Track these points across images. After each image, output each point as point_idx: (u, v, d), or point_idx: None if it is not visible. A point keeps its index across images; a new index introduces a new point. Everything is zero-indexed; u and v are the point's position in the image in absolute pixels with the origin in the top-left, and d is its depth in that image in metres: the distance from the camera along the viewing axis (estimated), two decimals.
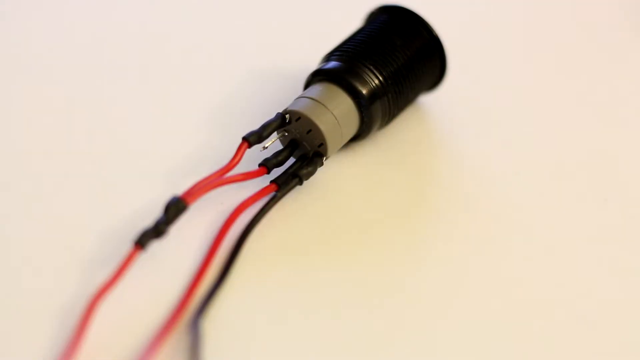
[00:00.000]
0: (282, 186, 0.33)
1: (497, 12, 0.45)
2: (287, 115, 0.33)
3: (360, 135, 0.35)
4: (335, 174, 0.35)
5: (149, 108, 0.38)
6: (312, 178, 0.33)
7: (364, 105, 0.34)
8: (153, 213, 0.32)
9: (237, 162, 0.32)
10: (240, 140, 0.33)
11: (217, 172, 0.32)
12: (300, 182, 0.33)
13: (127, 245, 0.30)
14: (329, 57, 0.35)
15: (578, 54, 0.42)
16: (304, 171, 0.33)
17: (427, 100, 0.38)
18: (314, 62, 0.36)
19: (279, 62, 0.40)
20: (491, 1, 0.45)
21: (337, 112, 0.33)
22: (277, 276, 0.31)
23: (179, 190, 0.32)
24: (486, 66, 0.41)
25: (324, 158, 0.33)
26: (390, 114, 0.35)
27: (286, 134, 0.33)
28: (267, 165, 0.33)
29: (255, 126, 0.33)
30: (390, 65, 0.34)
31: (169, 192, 0.32)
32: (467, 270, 0.32)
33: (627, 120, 0.39)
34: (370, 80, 0.34)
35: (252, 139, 0.32)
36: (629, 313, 0.31)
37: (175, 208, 0.30)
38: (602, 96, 0.40)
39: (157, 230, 0.30)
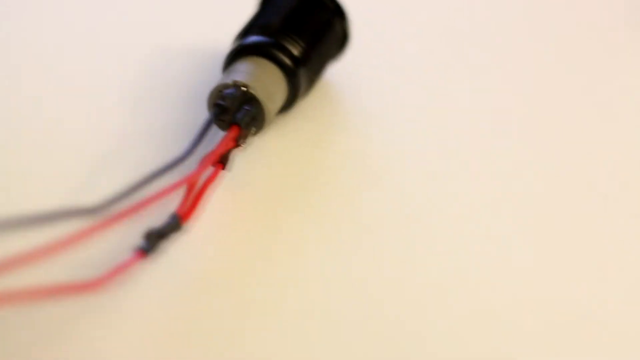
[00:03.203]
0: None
1: None
2: (244, 88, 0.33)
3: (285, 107, 0.36)
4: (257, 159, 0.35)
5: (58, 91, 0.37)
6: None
7: (290, 74, 0.35)
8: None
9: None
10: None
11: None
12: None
13: None
14: (245, 33, 0.35)
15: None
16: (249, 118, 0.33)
17: (342, 76, 0.39)
18: (222, 39, 0.37)
19: (187, 41, 0.40)
20: None
21: (270, 84, 0.34)
22: None
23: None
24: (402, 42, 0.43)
25: (257, 133, 0.34)
26: (311, 81, 0.36)
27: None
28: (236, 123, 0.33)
29: (175, 108, 0.34)
30: (306, 32, 0.36)
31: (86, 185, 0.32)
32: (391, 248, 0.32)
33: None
34: (293, 49, 0.35)
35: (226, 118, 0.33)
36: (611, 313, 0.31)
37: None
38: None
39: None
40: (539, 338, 0.29)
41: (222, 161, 0.33)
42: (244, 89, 0.33)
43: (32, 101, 0.36)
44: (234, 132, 0.32)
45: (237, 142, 0.33)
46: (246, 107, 0.33)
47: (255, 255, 0.31)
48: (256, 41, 0.35)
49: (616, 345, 0.30)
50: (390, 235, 0.32)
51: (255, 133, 0.34)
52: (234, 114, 0.33)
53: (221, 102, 0.33)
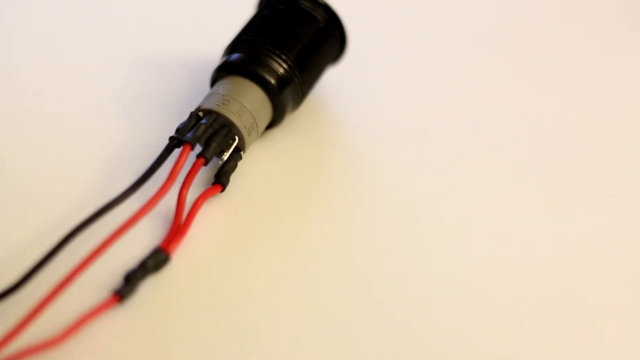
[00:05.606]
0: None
1: None
2: (200, 113, 0.33)
3: (274, 122, 0.35)
4: (253, 166, 0.35)
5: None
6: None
7: (274, 93, 0.34)
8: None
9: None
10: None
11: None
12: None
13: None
14: (231, 50, 0.35)
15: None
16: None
17: (334, 82, 0.39)
18: (213, 53, 0.37)
19: (177, 54, 0.40)
20: None
21: (249, 105, 0.34)
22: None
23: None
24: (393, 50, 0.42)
25: (242, 152, 0.34)
26: (300, 97, 0.36)
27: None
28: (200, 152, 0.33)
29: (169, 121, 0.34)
30: (294, 48, 0.35)
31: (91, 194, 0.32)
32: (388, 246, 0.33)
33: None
34: (277, 67, 0.34)
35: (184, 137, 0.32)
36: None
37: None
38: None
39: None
40: (540, 338, 0.30)
41: (220, 182, 0.33)
42: (200, 113, 0.33)
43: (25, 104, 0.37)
44: (184, 150, 0.32)
45: (206, 160, 0.32)
46: (202, 122, 0.33)
47: (247, 269, 0.31)
48: (238, 60, 0.34)
49: (616, 345, 0.30)
50: (386, 245, 0.33)
51: (238, 148, 0.33)
52: (185, 135, 0.32)
53: (174, 135, 0.33)
